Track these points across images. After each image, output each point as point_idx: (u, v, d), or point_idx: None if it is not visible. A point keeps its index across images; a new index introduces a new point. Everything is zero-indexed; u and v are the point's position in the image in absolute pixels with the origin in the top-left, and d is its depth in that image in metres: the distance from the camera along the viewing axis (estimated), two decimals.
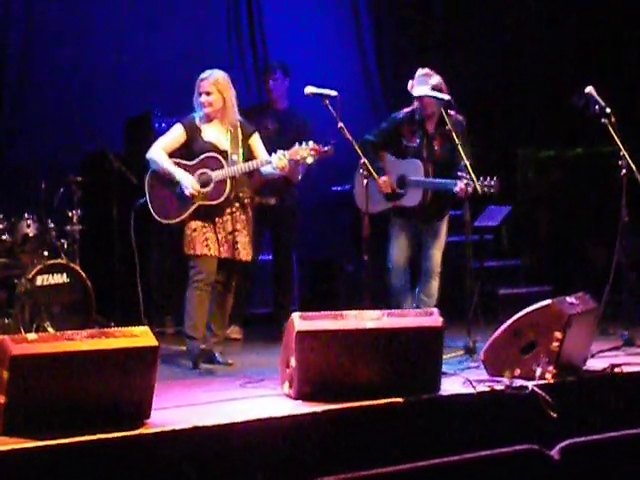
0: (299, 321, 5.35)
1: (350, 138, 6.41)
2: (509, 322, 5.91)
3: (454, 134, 6.94)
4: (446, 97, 7.09)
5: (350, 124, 6.45)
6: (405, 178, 7.33)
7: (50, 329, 7.20)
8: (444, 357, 5.75)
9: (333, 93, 6.44)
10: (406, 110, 7.43)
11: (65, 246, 7.79)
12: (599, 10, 10.54)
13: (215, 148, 6.72)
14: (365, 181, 6.46)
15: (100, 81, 9.09)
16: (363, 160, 6.48)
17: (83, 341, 4.71)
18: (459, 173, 7.00)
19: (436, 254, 7.45)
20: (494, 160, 9.13)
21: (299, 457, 4.94)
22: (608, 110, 7.13)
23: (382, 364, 5.39)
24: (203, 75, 6.75)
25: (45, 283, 7.48)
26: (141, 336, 4.87)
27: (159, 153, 6.74)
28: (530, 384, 5.57)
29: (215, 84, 6.72)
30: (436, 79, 7.16)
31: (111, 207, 8.14)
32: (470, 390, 5.56)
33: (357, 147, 6.47)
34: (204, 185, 6.66)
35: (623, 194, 7.11)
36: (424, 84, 7.18)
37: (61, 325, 7.14)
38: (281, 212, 8.23)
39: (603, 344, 6.75)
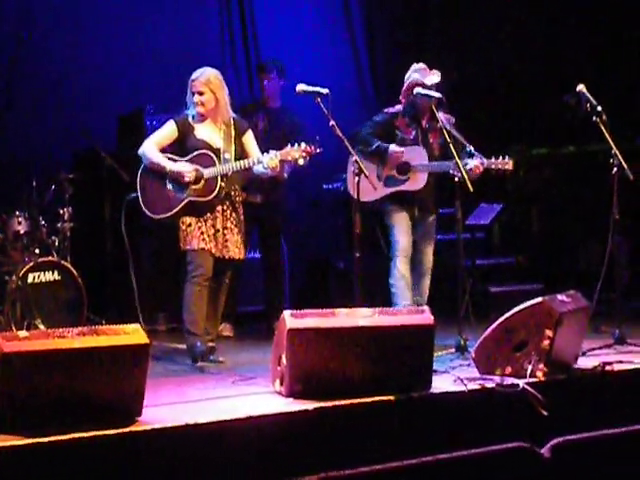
0: (290, 319, 5.35)
1: (341, 136, 6.41)
2: (500, 320, 5.91)
3: (445, 132, 6.95)
4: (437, 95, 7.10)
5: (342, 123, 6.45)
6: (409, 164, 7.32)
7: (41, 326, 7.19)
8: (435, 355, 5.75)
9: (324, 91, 6.44)
10: (398, 106, 7.45)
11: (56, 243, 7.78)
12: (599, 10, 10.56)
13: (208, 146, 6.72)
14: (357, 178, 6.46)
15: (92, 78, 9.07)
16: (354, 157, 6.49)
17: (74, 338, 4.70)
18: (470, 150, 7.07)
19: (429, 251, 7.46)
20: (486, 157, 9.12)
21: (290, 455, 4.94)
22: (599, 108, 7.13)
23: (373, 362, 5.39)
24: (195, 74, 6.75)
25: (36, 281, 7.48)
26: (132, 334, 4.86)
27: (151, 148, 6.75)
28: (521, 382, 5.56)
29: (207, 83, 6.72)
30: (437, 78, 7.20)
31: (103, 204, 8.14)
32: (461, 388, 5.55)
33: (348, 144, 6.47)
34: (195, 182, 6.66)
35: (614, 192, 7.12)
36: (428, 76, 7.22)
37: (52, 322, 7.14)
38: (267, 209, 8.25)
39: (594, 342, 6.75)
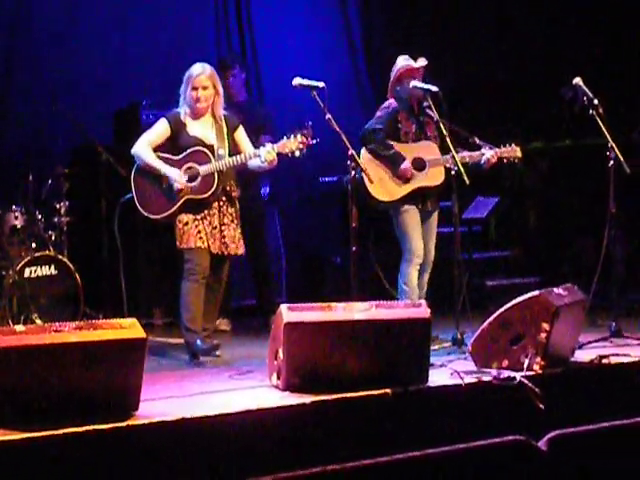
0: (287, 312, 5.35)
1: (338, 129, 6.40)
2: (497, 313, 5.92)
3: (442, 124, 6.93)
4: (434, 89, 7.06)
5: (338, 118, 6.44)
6: (422, 160, 7.23)
7: (38, 321, 7.19)
8: (432, 348, 5.77)
9: (321, 84, 6.44)
10: (391, 100, 7.42)
11: (53, 238, 7.78)
12: (599, 10, 10.57)
13: (201, 142, 6.68)
14: (353, 172, 6.46)
15: (88, 73, 9.06)
16: (351, 152, 6.48)
17: (71, 333, 4.70)
18: (478, 142, 7.05)
19: (432, 247, 7.35)
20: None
21: (287, 448, 4.94)
22: (596, 101, 7.13)
23: (370, 355, 5.39)
24: (197, 70, 6.68)
25: (33, 275, 7.48)
26: (129, 328, 4.86)
27: (144, 149, 6.71)
28: (518, 375, 5.57)
29: (211, 78, 6.69)
30: (424, 61, 7.20)
31: (99, 199, 8.11)
32: (458, 381, 5.56)
33: (345, 138, 6.45)
34: (191, 179, 6.63)
35: (611, 186, 7.12)
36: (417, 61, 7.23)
37: (49, 317, 7.14)
38: (246, 203, 8.19)
39: (591, 335, 6.76)
